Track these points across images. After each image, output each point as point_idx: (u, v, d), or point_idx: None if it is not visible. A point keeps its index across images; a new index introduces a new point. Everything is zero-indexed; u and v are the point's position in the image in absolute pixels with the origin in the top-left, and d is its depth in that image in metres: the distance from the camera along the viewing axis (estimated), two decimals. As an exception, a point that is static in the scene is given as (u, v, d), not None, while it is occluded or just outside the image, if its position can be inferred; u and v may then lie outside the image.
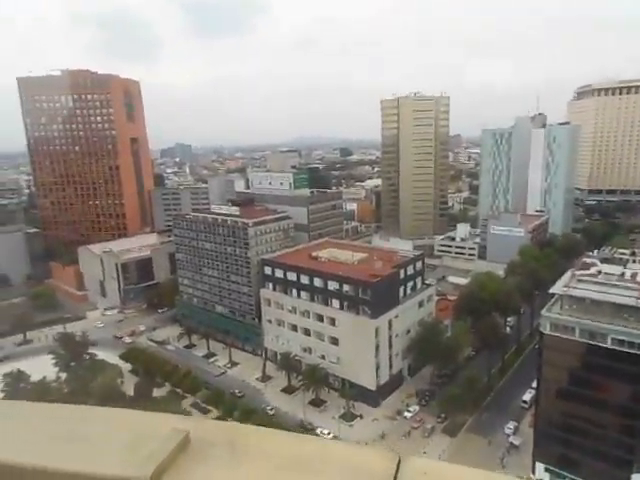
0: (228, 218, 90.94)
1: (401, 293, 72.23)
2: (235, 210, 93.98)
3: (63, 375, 70.20)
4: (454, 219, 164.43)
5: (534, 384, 60.30)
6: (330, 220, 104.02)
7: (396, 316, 69.97)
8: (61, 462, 1.34)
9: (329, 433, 61.38)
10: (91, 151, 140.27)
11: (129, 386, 71.79)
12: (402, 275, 72.61)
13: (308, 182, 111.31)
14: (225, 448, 1.62)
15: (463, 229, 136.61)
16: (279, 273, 77.56)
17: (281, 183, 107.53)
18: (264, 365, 78.43)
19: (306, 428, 62.39)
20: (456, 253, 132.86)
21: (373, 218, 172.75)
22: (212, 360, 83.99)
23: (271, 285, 79.24)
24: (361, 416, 65.70)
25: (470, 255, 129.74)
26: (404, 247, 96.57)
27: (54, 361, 72.08)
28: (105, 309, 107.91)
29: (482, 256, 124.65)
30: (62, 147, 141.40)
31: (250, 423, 57.52)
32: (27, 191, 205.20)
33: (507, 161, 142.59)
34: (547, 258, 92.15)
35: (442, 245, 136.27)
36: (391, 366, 70.41)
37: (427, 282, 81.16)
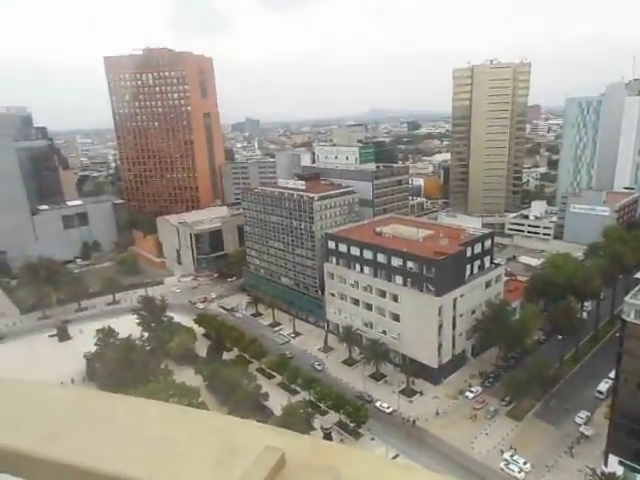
0: (294, 192, 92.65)
1: (467, 272, 70.09)
2: (301, 184, 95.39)
3: (145, 334, 77.11)
4: (528, 196, 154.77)
5: (611, 374, 56.65)
6: (395, 195, 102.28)
7: (461, 295, 68.29)
8: (150, 471, 1.28)
9: (388, 407, 62.37)
10: (168, 126, 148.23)
11: (202, 348, 77.39)
12: (469, 253, 70.24)
13: (374, 156, 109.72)
14: (325, 474, 1.45)
15: (538, 207, 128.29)
16: (343, 247, 78.29)
17: (347, 157, 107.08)
18: (326, 337, 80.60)
19: (365, 400, 63.82)
20: (529, 232, 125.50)
21: (440, 194, 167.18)
22: (277, 329, 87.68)
23: (334, 259, 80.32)
24: (421, 393, 65.85)
25: (545, 235, 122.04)
26: (472, 224, 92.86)
27: (138, 321, 79.12)
28: (181, 276, 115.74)
29: (558, 236, 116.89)
30: (143, 123, 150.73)
31: (312, 391, 59.92)
32: (114, 164, 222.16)
33: (593, 133, 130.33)
34: (635, 240, 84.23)
35: (514, 223, 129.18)
36: (454, 345, 69.31)
37: (496, 262, 77.91)
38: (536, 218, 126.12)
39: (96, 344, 71.51)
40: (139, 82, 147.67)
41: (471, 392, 64.67)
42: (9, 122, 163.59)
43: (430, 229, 78.08)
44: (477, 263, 72.24)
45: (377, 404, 63.41)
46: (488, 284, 73.65)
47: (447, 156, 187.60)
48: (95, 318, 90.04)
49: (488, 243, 74.84)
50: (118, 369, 62.34)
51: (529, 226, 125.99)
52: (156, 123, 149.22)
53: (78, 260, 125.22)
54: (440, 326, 66.47)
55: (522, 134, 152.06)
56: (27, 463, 1.29)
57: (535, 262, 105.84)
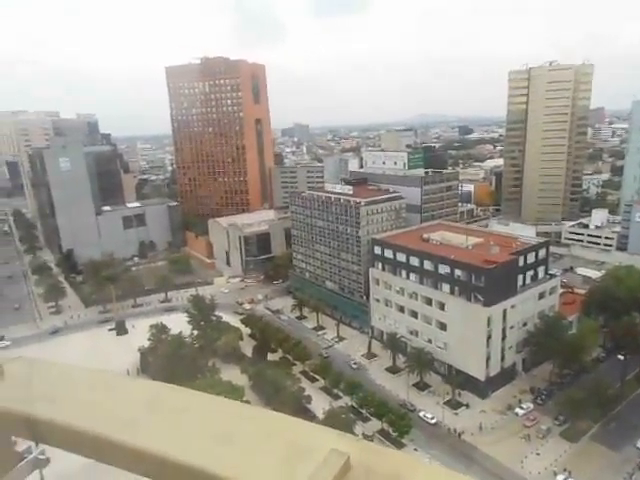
0: (341, 197, 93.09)
1: (519, 282, 67.31)
2: (348, 189, 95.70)
3: (195, 332, 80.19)
4: (588, 204, 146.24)
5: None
6: (444, 202, 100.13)
7: (512, 306, 65.65)
8: (219, 465, 1.32)
9: (432, 418, 60.98)
10: (222, 132, 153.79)
11: (247, 348, 79.32)
12: (521, 263, 67.46)
13: (423, 162, 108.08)
14: None
15: (599, 215, 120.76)
16: (389, 253, 77.64)
17: (395, 162, 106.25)
18: (370, 343, 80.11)
19: (408, 409, 62.78)
20: (588, 242, 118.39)
21: (491, 201, 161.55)
22: (321, 333, 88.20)
23: (380, 265, 79.79)
24: (467, 405, 63.83)
25: (606, 245, 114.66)
26: (525, 233, 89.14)
27: (188, 319, 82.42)
28: (229, 277, 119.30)
29: (621, 247, 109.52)
30: (198, 129, 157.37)
31: (354, 397, 59.75)
32: (170, 168, 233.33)
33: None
34: None
35: (572, 232, 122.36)
36: (503, 358, 66.66)
37: (551, 272, 74.24)
38: (597, 227, 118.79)
39: (149, 339, 75.16)
40: (196, 90, 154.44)
41: (521, 408, 61.83)
42: (78, 128, 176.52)
43: (480, 237, 75.77)
44: (530, 273, 69.24)
45: (421, 414, 62.17)
46: (542, 295, 70.33)
47: (500, 162, 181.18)
48: (149, 314, 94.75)
49: (542, 252, 71.54)
50: (169, 364, 65.20)
51: (589, 236, 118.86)
52: (210, 129, 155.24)
53: (135, 259, 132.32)
54: (489, 337, 64.19)
55: (583, 138, 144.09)
56: (106, 447, 1.38)
57: (594, 274, 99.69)
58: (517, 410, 61.59)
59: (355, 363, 76.44)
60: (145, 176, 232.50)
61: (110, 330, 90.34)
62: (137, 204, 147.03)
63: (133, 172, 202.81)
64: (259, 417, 1.54)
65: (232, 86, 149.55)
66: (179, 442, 1.38)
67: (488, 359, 64.83)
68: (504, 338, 65.97)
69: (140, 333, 78.77)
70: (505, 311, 65.09)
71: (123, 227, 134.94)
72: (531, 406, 62.24)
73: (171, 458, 1.30)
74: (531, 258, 69.38)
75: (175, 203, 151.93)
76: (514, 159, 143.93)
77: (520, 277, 67.57)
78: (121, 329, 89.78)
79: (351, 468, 1.47)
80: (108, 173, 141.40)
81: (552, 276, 73.38)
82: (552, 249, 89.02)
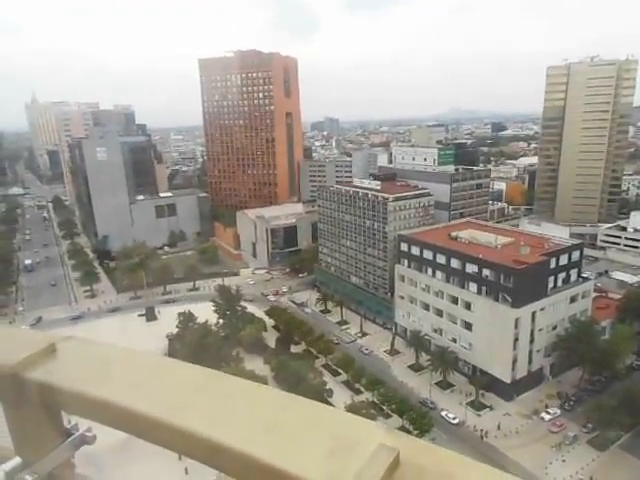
0: (369, 192, 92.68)
1: (550, 284, 65.48)
2: (376, 184, 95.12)
3: (220, 321, 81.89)
4: (627, 205, 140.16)
5: None
6: (474, 199, 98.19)
7: (541, 309, 64.02)
8: (267, 452, 1.33)
9: (454, 418, 60.42)
10: (252, 125, 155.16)
11: (271, 340, 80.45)
12: (553, 264, 65.59)
13: (453, 158, 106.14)
14: (440, 478, 1.43)
15: (639, 218, 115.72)
16: (415, 250, 76.94)
17: (425, 159, 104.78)
18: (393, 339, 79.85)
19: (428, 406, 62.44)
20: (626, 246, 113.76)
21: (523, 200, 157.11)
22: (344, 327, 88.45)
23: (406, 261, 79.19)
24: (491, 407, 62.86)
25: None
26: (558, 234, 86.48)
27: (214, 308, 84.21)
28: (255, 268, 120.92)
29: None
30: (229, 121, 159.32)
31: (376, 393, 59.78)
32: (201, 160, 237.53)
33: None
34: None
35: (608, 235, 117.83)
36: (530, 361, 65.21)
37: (584, 275, 71.84)
38: (635, 230, 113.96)
39: (177, 326, 77.31)
40: (228, 83, 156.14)
41: (548, 413, 60.39)
42: (115, 119, 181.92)
43: (510, 236, 74.06)
44: (562, 275, 67.26)
45: (443, 413, 61.67)
46: (573, 299, 68.23)
47: (534, 160, 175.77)
48: (177, 302, 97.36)
49: (576, 255, 69.33)
50: (195, 351, 66.96)
51: (627, 239, 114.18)
52: (241, 121, 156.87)
53: (166, 247, 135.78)
54: (516, 339, 62.88)
55: (624, 137, 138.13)
56: (154, 427, 1.41)
57: (631, 279, 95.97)
58: (543, 415, 60.22)
59: (367, 349, 78.92)
60: (177, 167, 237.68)
61: (140, 316, 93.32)
62: (169, 194, 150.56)
63: (166, 163, 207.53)
64: (306, 407, 1.50)
65: (264, 79, 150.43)
66: (227, 427, 1.40)
67: (514, 361, 63.56)
68: (532, 341, 64.49)
69: (168, 320, 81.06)
70: (534, 313, 63.57)
71: (155, 216, 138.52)
72: (558, 412, 60.71)
73: (220, 442, 1.32)
74: (563, 260, 67.35)
75: (205, 194, 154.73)
76: (549, 157, 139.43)
77: (551, 279, 65.75)
78: (150, 315, 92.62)
79: (400, 464, 1.43)
80: (142, 163, 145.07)
81: (585, 279, 71.04)
82: (586, 251, 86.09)
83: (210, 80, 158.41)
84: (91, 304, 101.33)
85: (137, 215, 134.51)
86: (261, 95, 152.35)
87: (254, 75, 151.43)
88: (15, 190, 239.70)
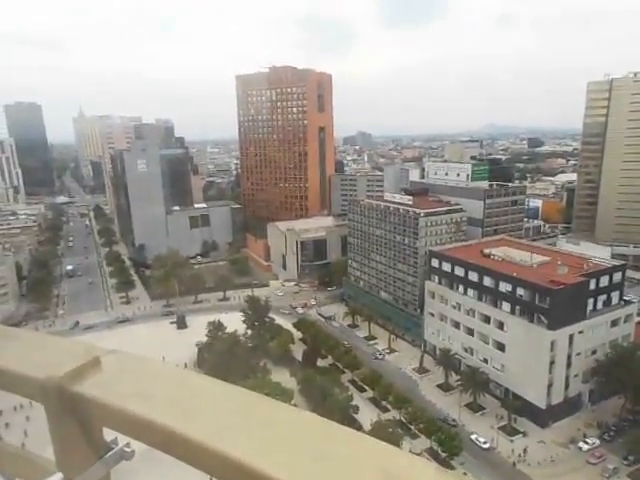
0: (400, 206, 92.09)
1: (589, 306, 62.75)
2: (408, 199, 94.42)
3: (249, 331, 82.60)
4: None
5: None
6: (509, 216, 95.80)
7: (580, 332, 61.29)
8: None
9: (485, 442, 58.24)
10: (285, 138, 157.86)
11: (298, 352, 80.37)
12: (592, 286, 62.88)
13: (488, 174, 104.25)
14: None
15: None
16: (446, 267, 75.56)
17: (458, 174, 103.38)
18: (422, 357, 78.20)
19: (449, 424, 60.89)
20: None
21: (561, 218, 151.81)
22: (372, 343, 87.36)
23: (437, 278, 77.84)
24: (524, 433, 60.21)
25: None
26: (598, 254, 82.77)
27: (243, 318, 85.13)
28: (284, 280, 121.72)
29: None
30: (263, 135, 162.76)
31: (403, 411, 58.48)
32: (235, 172, 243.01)
33: None
34: None
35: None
36: (567, 387, 62.30)
37: (627, 298, 68.45)
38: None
39: (207, 335, 78.48)
40: (263, 97, 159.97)
41: (586, 443, 57.26)
42: (156, 132, 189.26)
43: (547, 255, 71.70)
44: (602, 298, 64.40)
45: (472, 437, 59.57)
46: (615, 323, 65.06)
47: (573, 176, 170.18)
48: (207, 311, 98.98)
49: (618, 276, 66.32)
50: (223, 361, 67.71)
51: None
52: (274, 135, 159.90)
53: (198, 257, 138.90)
54: (552, 363, 60.35)
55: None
56: (194, 450, 1.37)
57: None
58: (581, 444, 57.16)
59: (380, 353, 78.94)
60: (212, 178, 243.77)
61: (171, 323, 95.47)
62: (203, 205, 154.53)
63: (201, 174, 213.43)
64: (354, 438, 1.43)
65: (298, 94, 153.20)
66: (272, 455, 1.34)
67: (550, 386, 60.92)
68: (569, 365, 61.72)
69: (198, 328, 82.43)
70: (572, 336, 60.92)
71: (189, 226, 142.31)
72: (597, 442, 57.51)
73: (264, 471, 1.26)
74: (604, 281, 64.53)
75: (238, 206, 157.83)
76: (589, 174, 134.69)
77: (590, 301, 63.01)
78: (181, 323, 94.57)
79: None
80: (179, 175, 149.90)
81: (628, 302, 67.64)
82: (630, 273, 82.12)
83: (246, 95, 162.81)
84: (126, 310, 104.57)
85: (172, 225, 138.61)
86: (295, 110, 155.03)
87: (289, 90, 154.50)
88: (61, 199, 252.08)
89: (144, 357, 1.78)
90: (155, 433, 1.42)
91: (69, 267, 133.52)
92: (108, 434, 1.57)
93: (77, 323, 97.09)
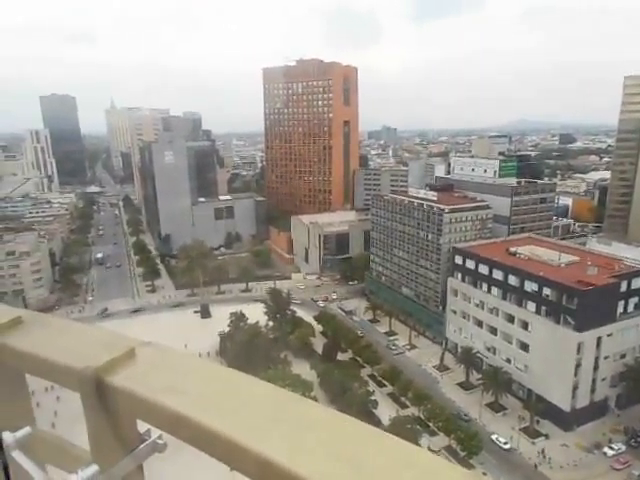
0: (424, 202, 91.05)
1: (619, 309, 60.83)
2: (432, 195, 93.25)
3: (270, 323, 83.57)
4: None
5: None
6: (536, 214, 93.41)
7: (608, 334, 59.54)
8: None
9: (506, 443, 57.49)
10: (310, 132, 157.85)
11: (318, 345, 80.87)
12: (623, 287, 60.88)
13: (516, 171, 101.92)
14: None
15: None
16: (470, 264, 74.45)
17: (485, 170, 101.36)
18: (442, 355, 77.52)
19: (462, 419, 60.68)
20: None
21: (592, 217, 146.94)
22: (392, 338, 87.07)
23: (460, 275, 76.83)
24: (547, 436, 59.10)
25: None
26: (631, 255, 79.81)
27: (264, 310, 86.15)
28: (306, 273, 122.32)
29: None
30: (288, 128, 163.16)
31: (422, 408, 58.32)
32: (260, 165, 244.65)
33: None
34: None
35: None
36: (594, 390, 60.75)
37: (660, 302, 65.90)
38: None
39: (229, 325, 79.83)
40: (289, 91, 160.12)
41: (611, 448, 55.84)
42: (184, 125, 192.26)
43: (576, 255, 69.73)
44: (634, 300, 62.30)
45: (493, 437, 58.88)
46: (646, 327, 62.86)
47: (606, 174, 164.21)
48: (230, 302, 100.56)
49: (651, 279, 63.88)
50: (245, 351, 68.83)
51: None
52: (300, 128, 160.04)
53: (222, 248, 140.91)
54: (578, 365, 58.90)
55: None
56: (226, 447, 1.36)
57: None
58: (606, 450, 55.77)
59: (394, 345, 79.04)
60: (237, 171, 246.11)
61: (195, 312, 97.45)
62: (228, 197, 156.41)
63: (227, 167, 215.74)
64: (392, 444, 1.39)
65: (324, 87, 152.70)
66: (308, 458, 1.31)
67: (575, 389, 59.55)
68: (596, 368, 60.14)
69: (221, 318, 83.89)
70: (600, 339, 59.27)
71: (214, 218, 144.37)
72: (623, 448, 56.01)
73: (298, 474, 1.23)
74: (636, 283, 62.33)
75: (262, 198, 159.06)
76: (624, 172, 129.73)
77: (621, 303, 61.06)
78: (205, 313, 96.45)
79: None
80: (205, 167, 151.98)
81: (661, 306, 65.17)
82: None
83: (272, 88, 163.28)
84: (151, 298, 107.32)
85: (197, 216, 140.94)
86: (320, 103, 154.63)
87: (314, 84, 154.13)
88: (92, 188, 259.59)
89: (178, 350, 1.79)
90: (187, 428, 1.41)
91: (99, 255, 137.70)
92: (141, 426, 1.59)
93: (105, 309, 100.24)
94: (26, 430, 1.62)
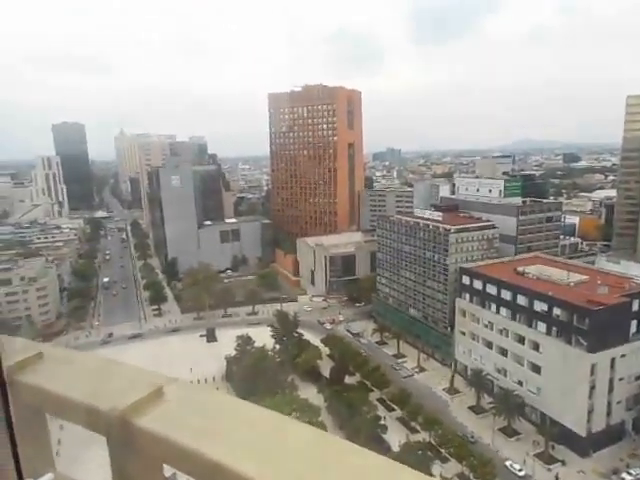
0: (430, 223, 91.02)
1: (632, 329, 59.63)
2: (437, 215, 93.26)
3: (277, 346, 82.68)
4: None
5: None
6: (543, 233, 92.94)
7: (622, 355, 58.20)
8: None
9: (520, 470, 55.67)
10: (315, 155, 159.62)
11: (325, 368, 79.69)
12: (635, 307, 59.83)
13: (521, 190, 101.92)
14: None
15: None
16: (478, 284, 73.75)
17: (490, 190, 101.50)
18: (452, 377, 76.05)
19: (469, 440, 58.98)
20: None
21: (599, 235, 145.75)
22: (400, 361, 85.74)
23: (468, 296, 76.02)
24: (563, 462, 57.16)
25: None
26: (642, 274, 78.89)
27: (271, 333, 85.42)
28: (313, 295, 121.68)
29: None
30: (294, 151, 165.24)
31: (433, 433, 56.92)
32: (265, 188, 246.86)
33: None
34: None
35: None
36: (609, 414, 59.04)
37: (674, 321, 64.57)
38: None
39: (235, 349, 79.09)
40: (295, 115, 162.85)
41: (629, 474, 53.94)
42: (190, 149, 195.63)
43: (585, 274, 68.89)
44: (646, 320, 61.03)
45: (507, 463, 57.08)
46: (661, 347, 61.38)
47: (612, 193, 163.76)
48: (236, 325, 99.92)
49: (663, 297, 62.74)
50: (251, 375, 67.97)
51: None
52: (305, 152, 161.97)
53: (228, 271, 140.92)
54: (592, 388, 57.43)
55: None
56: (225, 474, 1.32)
57: None
58: (624, 475, 53.88)
59: (398, 364, 77.73)
60: (243, 194, 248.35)
61: (201, 336, 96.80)
62: (234, 220, 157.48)
63: (233, 190, 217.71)
64: (392, 472, 1.35)
65: (328, 111, 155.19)
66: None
67: (590, 412, 57.89)
68: (611, 391, 58.57)
69: (228, 342, 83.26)
70: (613, 360, 57.92)
71: (220, 241, 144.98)
72: (642, 474, 54.05)
73: None
74: (648, 302, 61.24)
75: (268, 221, 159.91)
76: (630, 190, 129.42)
77: (633, 323, 59.91)
78: (211, 336, 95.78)
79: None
80: (211, 190, 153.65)
81: (675, 325, 63.79)
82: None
83: (278, 113, 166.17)
84: (158, 322, 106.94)
85: (204, 239, 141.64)
86: (325, 127, 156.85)
87: (319, 107, 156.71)
88: (100, 214, 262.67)
89: (207, 388, 1.78)
90: (222, 477, 1.31)
91: (105, 279, 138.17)
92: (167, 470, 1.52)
93: (111, 334, 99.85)
94: (48, 477, 1.57)
